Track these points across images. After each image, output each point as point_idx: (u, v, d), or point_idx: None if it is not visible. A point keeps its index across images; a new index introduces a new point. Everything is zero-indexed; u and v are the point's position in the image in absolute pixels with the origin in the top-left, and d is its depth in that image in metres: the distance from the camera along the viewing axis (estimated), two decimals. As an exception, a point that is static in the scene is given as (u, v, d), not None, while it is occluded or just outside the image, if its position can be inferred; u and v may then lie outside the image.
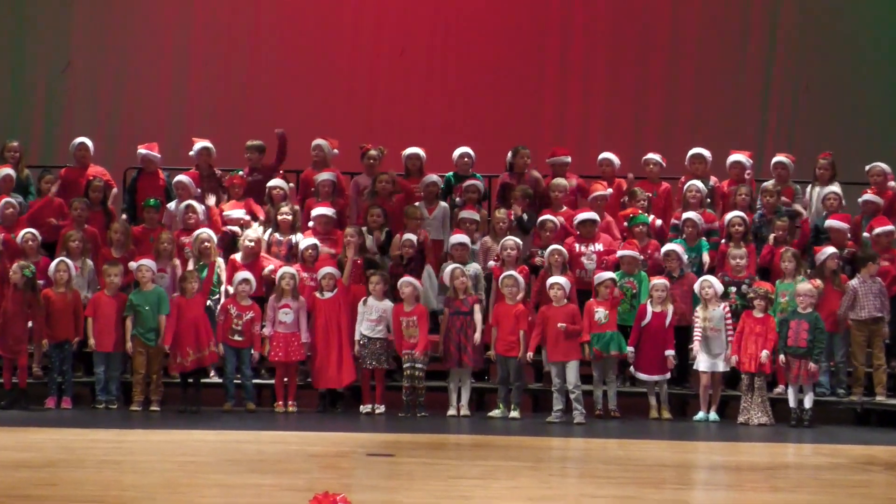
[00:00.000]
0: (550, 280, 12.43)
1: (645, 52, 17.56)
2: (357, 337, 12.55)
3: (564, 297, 12.33)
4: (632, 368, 12.59)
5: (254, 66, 17.44)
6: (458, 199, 13.57)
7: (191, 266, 12.82)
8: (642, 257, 13.02)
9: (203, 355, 12.48)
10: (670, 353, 12.34)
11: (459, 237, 13.00)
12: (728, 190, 13.72)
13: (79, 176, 13.89)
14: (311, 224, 13.38)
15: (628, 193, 13.69)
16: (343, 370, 12.54)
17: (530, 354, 12.32)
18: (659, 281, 12.50)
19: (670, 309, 12.42)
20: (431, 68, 17.57)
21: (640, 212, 13.28)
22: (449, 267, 12.71)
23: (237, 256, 13.06)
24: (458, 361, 12.47)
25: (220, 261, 13.03)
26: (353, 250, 12.75)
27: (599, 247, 13.14)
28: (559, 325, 12.11)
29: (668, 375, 12.50)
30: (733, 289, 12.70)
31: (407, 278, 12.58)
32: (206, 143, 14.04)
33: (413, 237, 13.01)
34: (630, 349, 12.47)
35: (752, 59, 17.51)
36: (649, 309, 12.40)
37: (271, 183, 13.71)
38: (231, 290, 12.70)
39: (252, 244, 13.04)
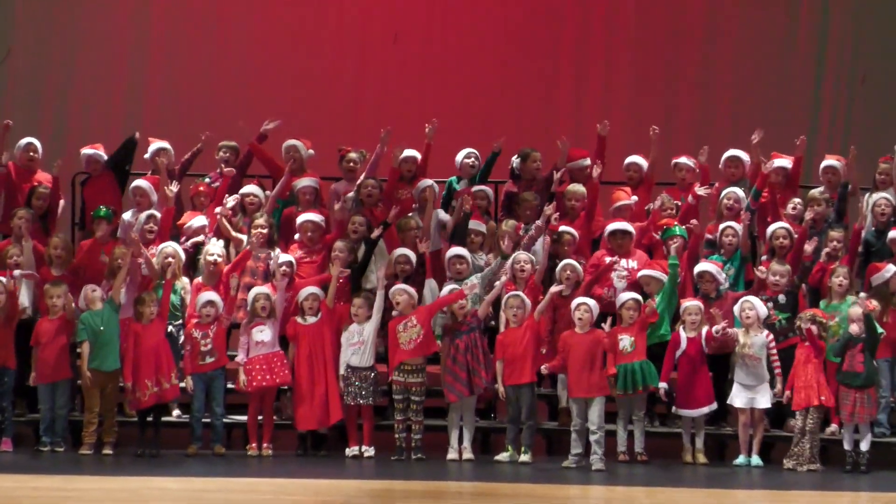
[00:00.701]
0: (576, 301, 12.35)
1: (676, 39, 17.46)
2: (342, 371, 12.48)
3: (591, 321, 12.26)
4: (674, 408, 12.50)
5: (221, 56, 17.33)
6: (466, 207, 13.40)
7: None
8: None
9: (164, 389, 12.38)
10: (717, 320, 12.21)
11: (457, 249, 12.95)
12: (771, 198, 13.52)
13: (23, 181, 13.75)
14: (297, 237, 13.32)
15: (654, 201, 13.55)
16: (331, 408, 12.42)
17: (544, 368, 12.25)
18: (691, 303, 12.42)
19: (705, 331, 12.34)
20: (428, 58, 17.45)
21: (674, 223, 13.12)
22: (446, 288, 12.62)
23: (200, 278, 12.95)
24: (470, 387, 12.35)
25: (184, 280, 12.96)
26: (339, 266, 12.69)
27: (633, 263, 13.00)
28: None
29: (714, 406, 12.34)
30: (770, 304, 12.59)
31: (399, 286, 12.51)
32: (163, 144, 13.93)
33: (409, 252, 12.93)
34: (663, 385, 12.32)
35: (800, 47, 17.43)
36: (683, 335, 12.32)
37: (244, 190, 13.65)
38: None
39: (215, 259, 12.88)
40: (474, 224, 13.28)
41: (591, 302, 12.32)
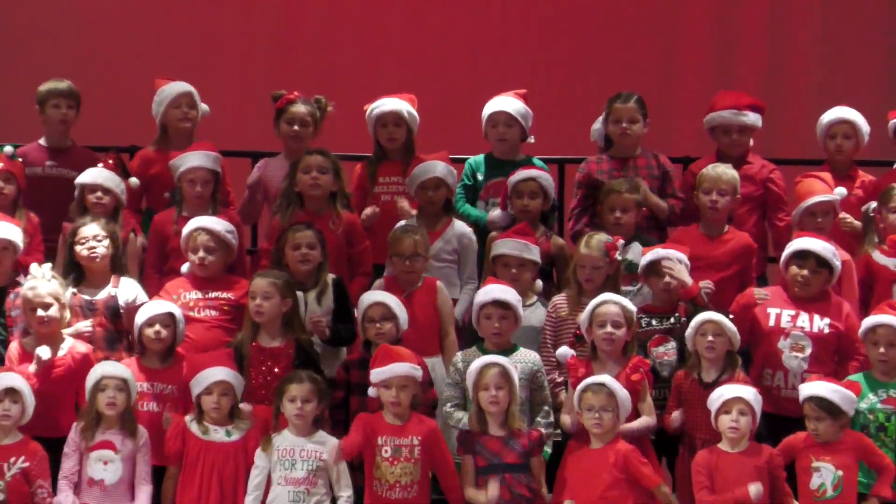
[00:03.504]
0: (727, 393, 10.72)
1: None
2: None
3: (750, 427, 10.84)
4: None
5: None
6: (493, 209, 12.31)
7: None
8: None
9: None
10: None
11: (494, 289, 11.17)
12: None
13: None
14: (184, 269, 11.97)
15: (881, 195, 12.25)
16: None
17: None
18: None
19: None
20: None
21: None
22: (476, 363, 10.86)
23: (13, 347, 11.43)
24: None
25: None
26: (276, 324, 11.25)
27: (823, 323, 11.35)
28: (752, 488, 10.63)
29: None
30: None
31: (400, 365, 10.98)
32: None
33: (390, 300, 11.43)
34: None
35: None
36: (899, 463, 11.09)
37: (84, 178, 12.21)
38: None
39: (31, 303, 11.40)
40: (513, 246, 11.75)
41: (752, 393, 10.75)
